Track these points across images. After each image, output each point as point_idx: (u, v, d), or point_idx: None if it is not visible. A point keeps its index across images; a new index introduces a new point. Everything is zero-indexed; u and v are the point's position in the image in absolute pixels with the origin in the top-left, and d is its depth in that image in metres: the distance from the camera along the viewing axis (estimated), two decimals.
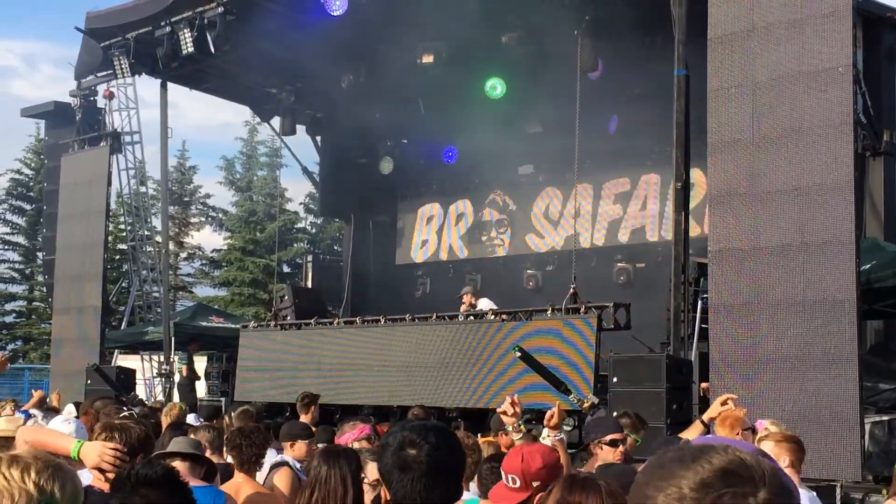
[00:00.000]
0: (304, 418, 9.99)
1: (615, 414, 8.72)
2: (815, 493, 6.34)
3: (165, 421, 9.50)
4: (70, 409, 10.80)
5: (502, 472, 4.36)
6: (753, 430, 6.97)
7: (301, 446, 7.42)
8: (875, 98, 13.01)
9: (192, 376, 21.13)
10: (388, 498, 2.92)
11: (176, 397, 19.51)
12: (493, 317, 15.11)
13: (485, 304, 16.32)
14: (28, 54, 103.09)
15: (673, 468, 1.61)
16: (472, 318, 15.47)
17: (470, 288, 17.40)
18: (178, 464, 4.71)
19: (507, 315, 15.01)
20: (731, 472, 1.58)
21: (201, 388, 21.58)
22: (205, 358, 22.82)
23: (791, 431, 6.70)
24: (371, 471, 4.83)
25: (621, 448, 6.57)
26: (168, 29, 18.77)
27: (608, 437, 6.64)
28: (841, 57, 10.62)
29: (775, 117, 11.10)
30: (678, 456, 1.63)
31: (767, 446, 6.34)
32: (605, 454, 6.59)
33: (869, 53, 12.95)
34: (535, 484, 4.24)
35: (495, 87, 19.34)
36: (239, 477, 5.95)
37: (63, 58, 77.09)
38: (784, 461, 6.22)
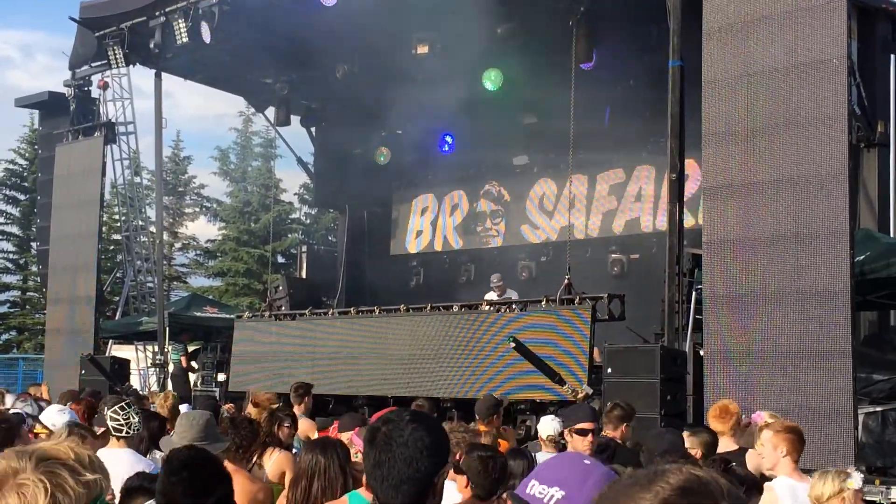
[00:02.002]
0: (297, 409, 9.98)
1: (608, 405, 8.71)
2: None
3: (161, 410, 9.51)
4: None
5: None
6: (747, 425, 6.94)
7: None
8: (869, 89, 12.99)
9: (189, 367, 21.13)
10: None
11: (170, 387, 19.50)
12: (487, 307, 15.15)
13: (513, 294, 16.55)
14: (25, 44, 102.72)
15: (632, 492, 1.61)
16: (465, 308, 15.48)
17: (500, 275, 17.42)
18: None
19: (502, 305, 15.03)
20: (690, 489, 1.58)
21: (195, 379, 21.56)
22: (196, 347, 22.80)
23: (791, 422, 6.69)
24: None
25: (590, 438, 6.45)
26: (162, 19, 18.74)
27: (577, 426, 6.54)
28: (835, 48, 10.63)
29: (770, 108, 11.11)
30: (634, 480, 1.64)
31: (767, 436, 6.35)
32: (575, 443, 6.53)
33: (863, 45, 12.92)
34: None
35: (492, 77, 19.32)
36: (229, 466, 5.97)
37: (60, 48, 76.85)
38: (781, 451, 6.24)
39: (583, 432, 6.45)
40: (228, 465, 5.95)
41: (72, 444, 2.17)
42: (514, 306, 14.90)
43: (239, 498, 5.54)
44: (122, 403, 7.39)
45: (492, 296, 16.64)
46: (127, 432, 6.95)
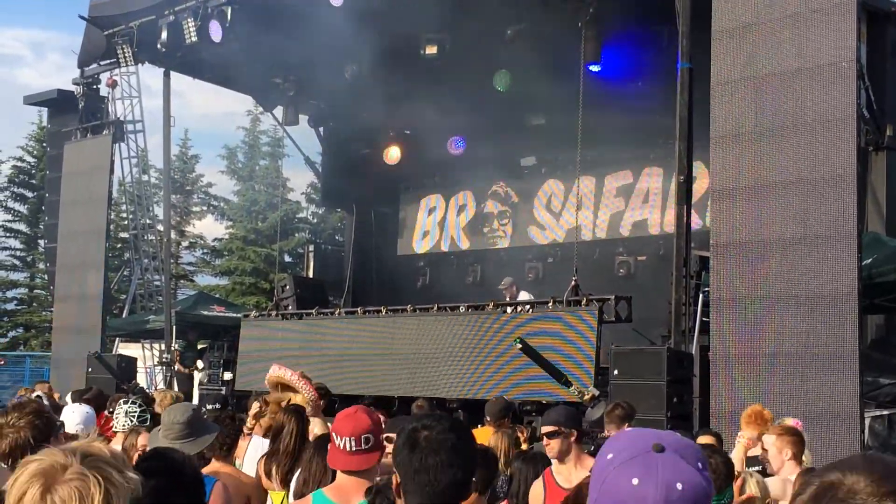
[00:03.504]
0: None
1: (609, 405, 8.68)
2: None
3: (160, 409, 9.53)
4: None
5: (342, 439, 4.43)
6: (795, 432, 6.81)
7: None
8: (878, 93, 12.98)
9: (185, 367, 21.09)
10: (398, 481, 2.92)
11: (176, 387, 19.54)
12: (493, 308, 15.14)
13: (524, 295, 16.50)
14: (36, 43, 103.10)
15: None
16: (472, 309, 15.48)
17: (510, 279, 17.38)
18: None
19: (509, 307, 15.03)
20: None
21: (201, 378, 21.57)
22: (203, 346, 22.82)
23: (789, 424, 6.74)
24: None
25: (557, 441, 6.28)
26: (171, 18, 18.78)
27: (546, 429, 6.41)
28: (845, 51, 10.61)
29: (778, 111, 11.10)
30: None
31: (769, 440, 6.42)
32: (545, 445, 6.42)
33: (873, 48, 12.91)
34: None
35: (503, 79, 19.32)
36: (215, 462, 6.11)
37: (71, 46, 77.00)
38: (787, 453, 6.28)
39: (550, 435, 6.31)
40: (216, 462, 6.06)
41: (102, 443, 2.19)
42: (519, 308, 14.90)
43: (232, 492, 5.65)
44: (132, 400, 7.46)
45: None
46: (115, 428, 7.07)
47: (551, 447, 6.27)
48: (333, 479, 4.74)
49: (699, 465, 1.96)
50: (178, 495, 3.53)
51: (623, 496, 1.91)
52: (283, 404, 7.37)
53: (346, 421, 4.46)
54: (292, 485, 5.89)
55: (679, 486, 1.89)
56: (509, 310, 15.05)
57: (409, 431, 2.95)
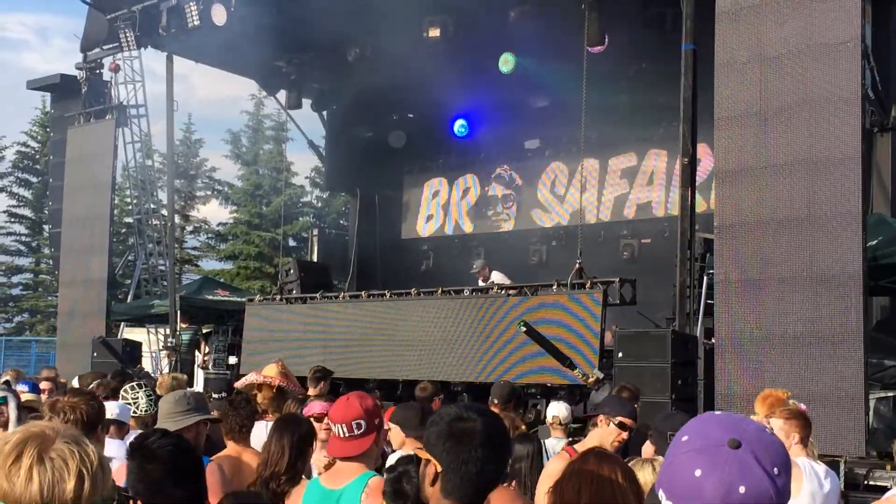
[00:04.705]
0: (312, 391, 10.03)
1: (616, 387, 8.69)
2: (829, 468, 6.37)
3: (161, 392, 9.54)
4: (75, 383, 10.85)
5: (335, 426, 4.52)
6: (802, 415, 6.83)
7: None
8: (883, 74, 12.91)
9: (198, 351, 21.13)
10: (438, 470, 2.90)
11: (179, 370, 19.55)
12: (498, 291, 15.10)
13: (497, 276, 16.39)
14: (41, 28, 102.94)
15: None
16: (476, 292, 15.46)
17: (481, 261, 17.38)
18: None
19: (513, 290, 15.00)
20: None
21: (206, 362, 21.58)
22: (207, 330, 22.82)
23: (795, 407, 6.73)
24: None
25: (625, 435, 6.37)
26: (174, 2, 18.72)
27: (618, 419, 6.46)
28: (850, 31, 10.56)
29: (783, 91, 11.05)
30: None
31: (777, 424, 6.42)
32: (610, 433, 6.44)
33: (878, 29, 12.85)
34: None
35: (507, 61, 19.25)
36: (229, 444, 6.20)
37: (74, 31, 76.88)
38: (794, 437, 6.29)
39: (623, 426, 6.37)
40: (232, 444, 6.10)
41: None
42: (525, 291, 14.87)
43: (247, 472, 5.71)
44: (134, 384, 7.45)
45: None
46: (134, 412, 7.03)
47: (622, 438, 6.35)
48: (296, 461, 5.02)
49: (775, 469, 1.87)
50: (178, 474, 3.54)
51: (683, 484, 1.87)
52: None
53: (338, 408, 4.59)
54: None
55: (742, 489, 1.83)
56: (503, 292, 14.91)
57: (452, 420, 2.93)
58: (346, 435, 4.46)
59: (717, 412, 2.00)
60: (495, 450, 2.90)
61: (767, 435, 1.94)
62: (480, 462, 2.86)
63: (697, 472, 1.85)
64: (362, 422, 4.48)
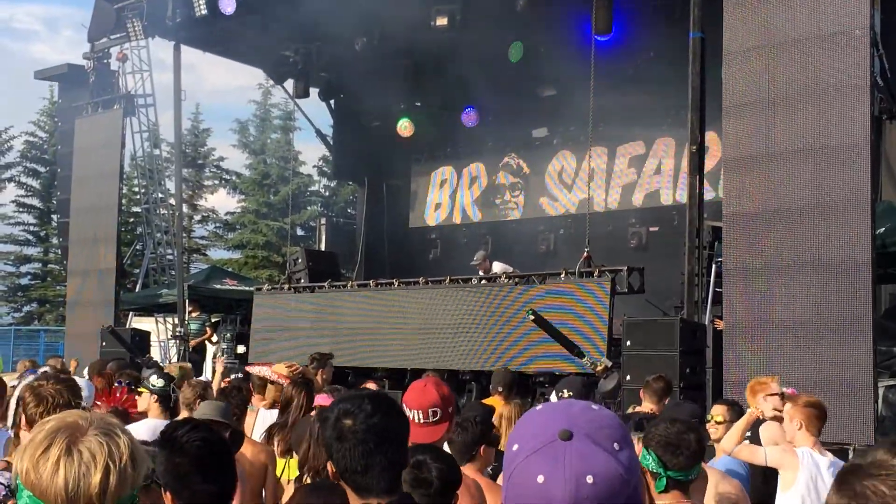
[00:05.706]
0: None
1: (652, 376, 8.66)
2: (836, 459, 6.37)
3: None
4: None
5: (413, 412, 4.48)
6: (782, 396, 6.98)
7: None
8: (892, 61, 12.87)
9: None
10: (333, 471, 2.94)
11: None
12: (506, 280, 15.09)
13: (498, 267, 16.35)
14: (50, 18, 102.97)
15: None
16: (484, 281, 15.46)
17: (482, 253, 17.38)
18: None
19: (521, 278, 14.99)
20: None
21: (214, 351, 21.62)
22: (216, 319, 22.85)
23: (812, 397, 6.74)
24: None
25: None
26: None
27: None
28: (858, 18, 10.52)
29: (791, 79, 11.01)
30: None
31: (787, 409, 6.45)
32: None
33: (887, 16, 12.80)
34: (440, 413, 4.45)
35: (512, 49, 19.22)
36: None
37: (82, 21, 76.93)
38: (797, 424, 6.30)
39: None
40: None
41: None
42: (534, 279, 14.86)
43: (240, 459, 5.72)
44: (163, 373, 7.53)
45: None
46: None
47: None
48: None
49: (615, 445, 1.73)
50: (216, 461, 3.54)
51: (529, 495, 1.70)
52: (290, 377, 7.45)
53: (415, 394, 4.51)
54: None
55: (589, 478, 1.68)
56: (511, 280, 14.90)
57: (334, 420, 2.97)
58: (422, 421, 4.39)
59: (538, 407, 1.85)
60: (380, 443, 2.95)
61: (595, 411, 1.80)
62: (364, 458, 2.91)
63: (540, 479, 1.69)
64: (438, 409, 4.42)
